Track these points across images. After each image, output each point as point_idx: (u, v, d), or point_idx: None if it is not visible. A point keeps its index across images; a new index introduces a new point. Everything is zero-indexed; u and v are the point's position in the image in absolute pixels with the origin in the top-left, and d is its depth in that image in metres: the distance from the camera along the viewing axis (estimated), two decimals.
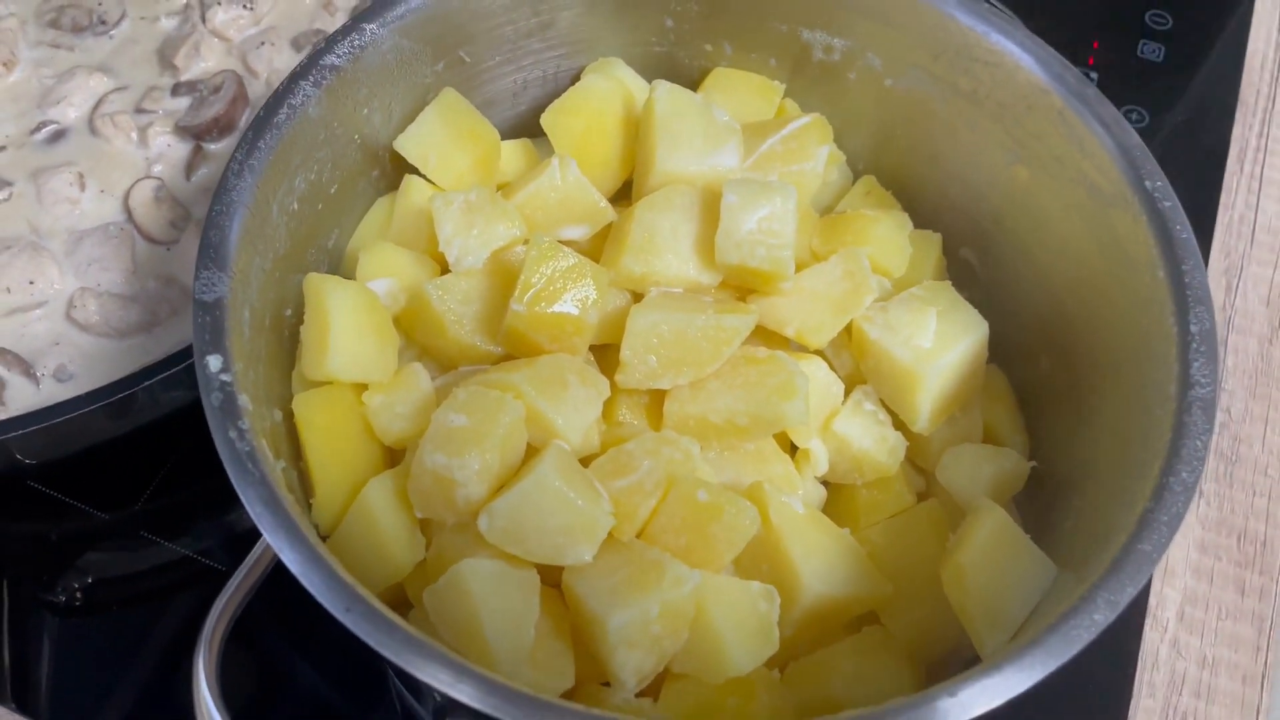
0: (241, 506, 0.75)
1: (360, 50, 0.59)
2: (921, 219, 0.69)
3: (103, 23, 0.87)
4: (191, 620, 0.72)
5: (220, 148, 0.80)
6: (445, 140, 0.64)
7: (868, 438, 0.61)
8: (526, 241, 0.60)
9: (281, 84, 0.56)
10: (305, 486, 0.57)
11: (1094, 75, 0.96)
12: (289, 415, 0.57)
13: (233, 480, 0.45)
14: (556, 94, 0.69)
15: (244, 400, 0.48)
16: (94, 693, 0.70)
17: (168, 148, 0.80)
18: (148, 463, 0.75)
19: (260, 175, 0.53)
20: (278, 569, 0.52)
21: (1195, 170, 0.92)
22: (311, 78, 0.57)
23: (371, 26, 0.59)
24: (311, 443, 0.56)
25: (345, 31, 0.58)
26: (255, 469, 0.46)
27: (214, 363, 0.47)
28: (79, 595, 0.73)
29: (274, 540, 0.44)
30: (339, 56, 0.58)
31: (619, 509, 0.53)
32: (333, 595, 0.43)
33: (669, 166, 0.62)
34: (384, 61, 0.60)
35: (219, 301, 0.49)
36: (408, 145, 0.64)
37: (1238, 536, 0.74)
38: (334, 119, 0.59)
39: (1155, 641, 0.70)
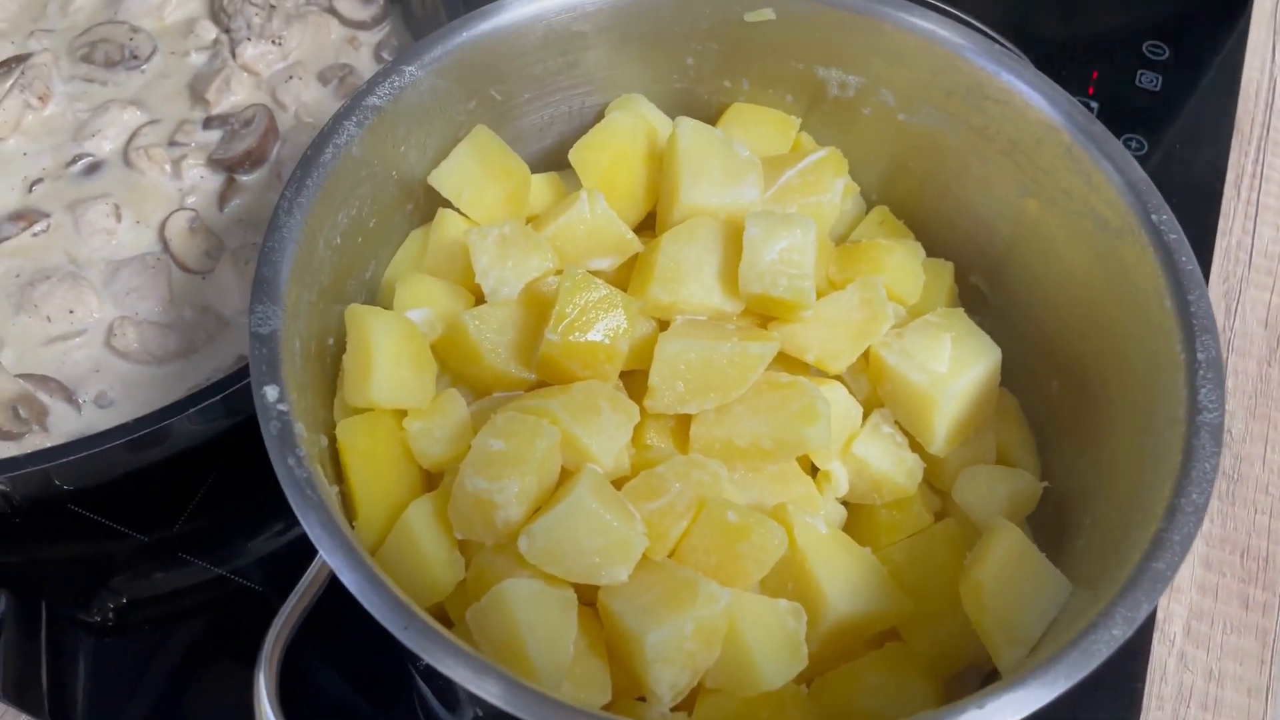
0: (272, 528, 0.78)
1: (400, 91, 0.61)
2: (933, 247, 0.72)
3: (134, 57, 0.89)
4: (224, 638, 0.74)
5: (252, 179, 0.83)
6: (478, 175, 0.66)
7: (886, 460, 0.63)
8: (559, 272, 0.63)
9: (326, 124, 0.58)
10: (348, 509, 0.59)
11: (1094, 105, 0.99)
12: (332, 440, 0.59)
13: (293, 505, 0.47)
14: (582, 128, 0.71)
15: (300, 428, 0.50)
16: (128, 709, 0.71)
17: (201, 179, 0.83)
18: (185, 486, 0.77)
19: (308, 212, 0.56)
20: (322, 597, 0.54)
21: (1193, 196, 0.95)
22: (355, 118, 0.59)
23: (410, 68, 0.62)
24: (354, 466, 0.58)
25: (386, 73, 0.61)
26: (314, 494, 0.48)
27: (271, 393, 0.50)
28: (113, 615, 0.75)
29: (333, 561, 0.46)
30: (380, 98, 0.60)
31: (652, 530, 0.55)
32: (391, 614, 0.45)
33: (692, 200, 0.65)
34: (421, 101, 0.63)
35: (273, 334, 0.52)
36: (442, 180, 0.66)
37: (1241, 553, 0.77)
38: (374, 157, 0.61)
39: (1163, 655, 0.73)
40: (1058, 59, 1.02)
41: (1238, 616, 0.74)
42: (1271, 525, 0.78)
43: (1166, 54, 1.04)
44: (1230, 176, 0.96)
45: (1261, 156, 0.98)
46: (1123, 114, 0.99)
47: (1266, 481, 0.80)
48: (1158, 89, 1.01)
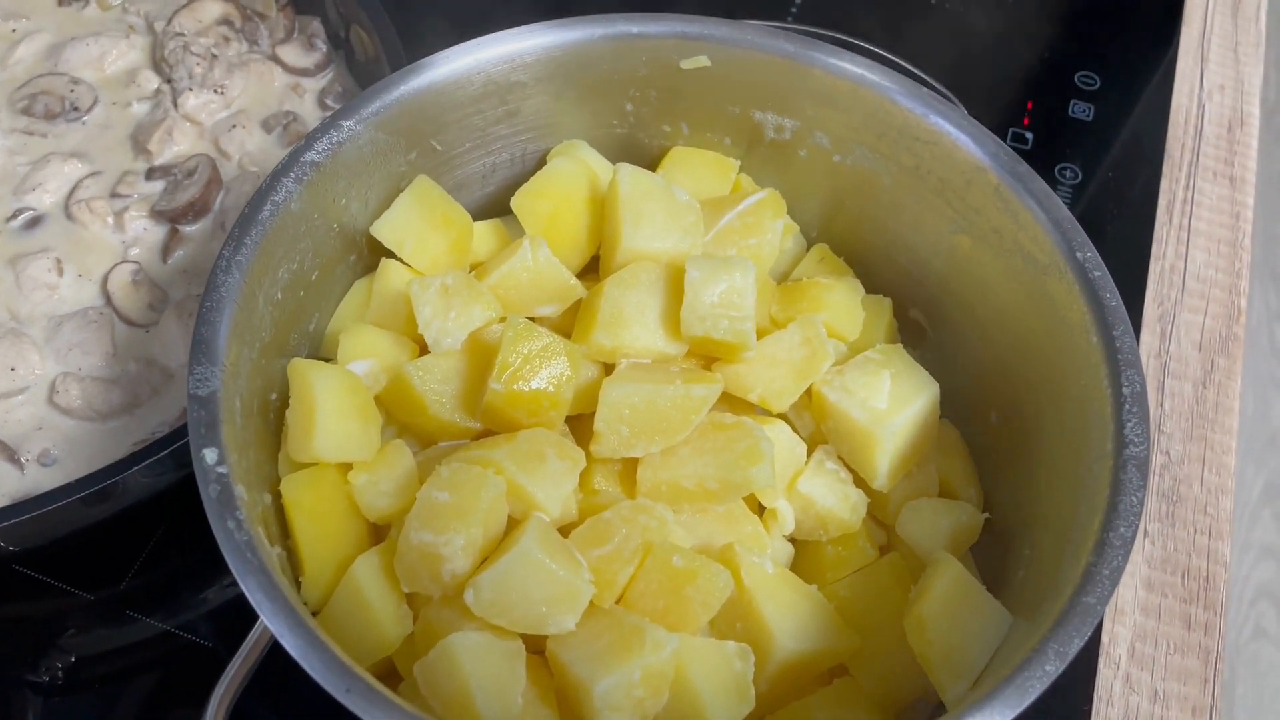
0: (222, 580, 0.78)
1: (339, 146, 0.62)
2: (872, 283, 0.73)
3: (75, 109, 0.89)
4: (173, 694, 0.73)
5: (196, 229, 0.83)
6: (420, 225, 0.67)
7: (831, 496, 0.64)
8: (502, 320, 0.63)
9: (264, 181, 0.59)
10: (294, 564, 0.59)
11: (1029, 135, 1.02)
12: (276, 496, 0.59)
13: (233, 570, 0.47)
14: (524, 174, 0.72)
15: (239, 490, 0.50)
16: None
17: (144, 231, 0.82)
18: (132, 542, 0.76)
19: (247, 271, 0.56)
20: (273, 649, 0.54)
21: (1127, 223, 0.98)
22: (293, 174, 0.59)
23: (349, 123, 0.62)
24: (299, 523, 0.58)
25: (324, 129, 0.61)
26: (254, 557, 0.48)
27: (210, 455, 0.50)
28: (61, 674, 0.74)
29: (274, 626, 0.46)
30: (318, 153, 0.61)
31: (599, 577, 0.56)
32: (332, 677, 0.45)
33: (634, 245, 0.66)
34: (360, 154, 0.63)
35: (212, 395, 0.52)
36: (384, 231, 0.66)
37: (1182, 574, 0.78)
38: (314, 210, 0.62)
39: (1109, 678, 0.74)
40: (993, 92, 1.04)
41: (1180, 637, 0.76)
42: (1211, 545, 0.80)
43: (1098, 84, 1.06)
44: (1162, 202, 0.99)
45: (1192, 182, 1.01)
46: (1057, 144, 1.02)
47: (1205, 502, 0.82)
48: (1090, 118, 1.04)
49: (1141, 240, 0.96)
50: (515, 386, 0.59)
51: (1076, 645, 0.47)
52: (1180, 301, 0.93)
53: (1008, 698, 0.46)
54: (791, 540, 0.66)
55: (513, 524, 0.58)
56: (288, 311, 0.61)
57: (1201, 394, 0.88)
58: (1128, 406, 0.54)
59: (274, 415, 0.61)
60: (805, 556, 0.66)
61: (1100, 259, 0.59)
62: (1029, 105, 1.04)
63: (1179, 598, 0.78)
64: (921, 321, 0.74)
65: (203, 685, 0.72)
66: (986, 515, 0.65)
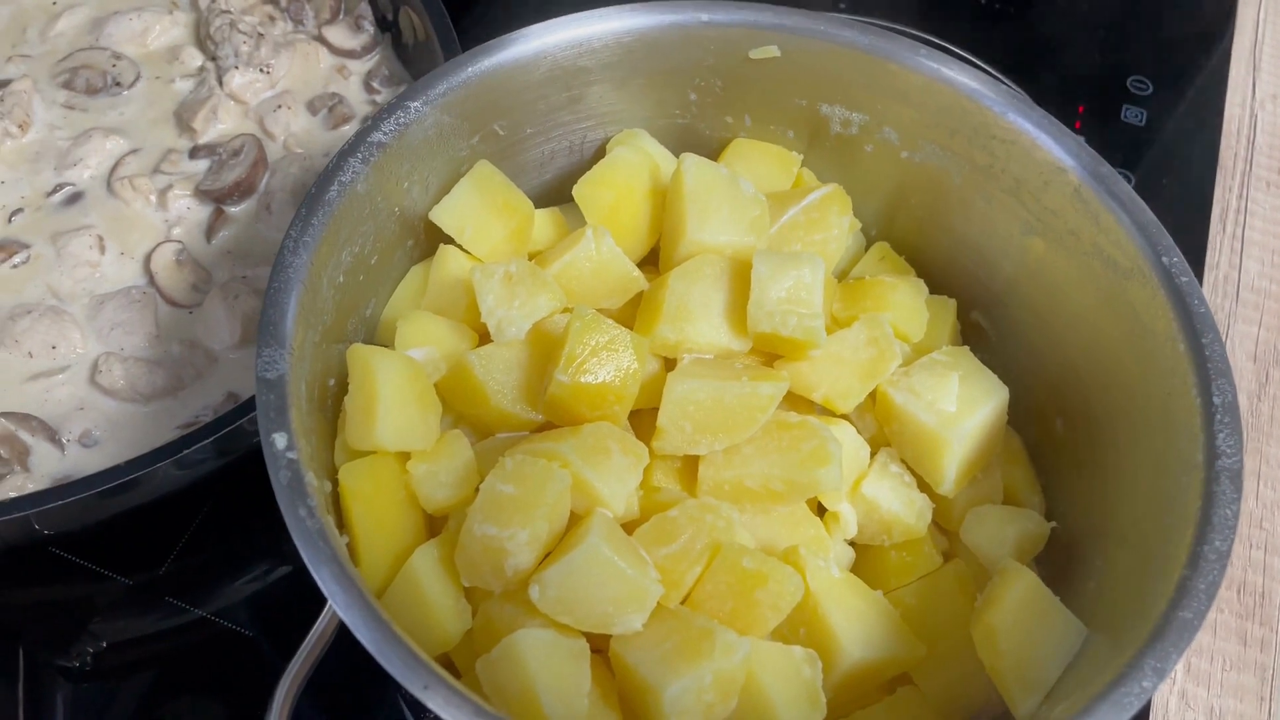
0: (260, 566, 0.76)
1: (404, 127, 0.60)
2: (933, 283, 0.72)
3: (117, 84, 0.87)
4: (206, 682, 0.72)
5: (240, 210, 0.81)
6: (481, 211, 0.65)
7: (896, 500, 0.63)
8: (566, 311, 0.62)
9: (331, 161, 0.57)
10: (351, 555, 0.57)
11: (1080, 139, 1.00)
12: (334, 485, 0.57)
13: (305, 558, 0.46)
14: (582, 163, 0.71)
15: (310, 477, 0.48)
16: None
17: (187, 210, 0.81)
18: (173, 527, 0.75)
19: (314, 251, 0.54)
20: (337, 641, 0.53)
21: (1180, 231, 0.94)
22: (360, 154, 0.58)
23: (415, 104, 0.60)
24: (357, 512, 0.56)
25: (391, 109, 0.60)
26: (326, 546, 0.46)
27: (280, 440, 0.48)
28: (91, 659, 0.73)
29: (348, 617, 0.44)
30: (385, 134, 0.59)
31: (665, 576, 0.54)
32: (409, 673, 0.43)
33: (699, 237, 0.64)
34: (425, 136, 0.62)
35: (281, 379, 0.50)
36: (444, 216, 0.65)
37: (1237, 589, 0.77)
38: (378, 193, 0.60)
39: (1165, 694, 0.72)
40: (1045, 94, 1.03)
41: (1236, 653, 0.75)
42: (1267, 560, 0.79)
43: (1150, 89, 1.05)
44: (1215, 211, 0.98)
45: (1245, 191, 0.99)
46: (1109, 148, 1.00)
47: (1260, 516, 0.80)
48: (1142, 123, 1.02)
49: (1195, 249, 0.95)
50: (581, 379, 0.57)
51: (1175, 660, 0.46)
52: (1234, 312, 0.92)
53: (1104, 715, 0.45)
54: (851, 544, 0.64)
55: (574, 519, 0.56)
56: (348, 295, 0.60)
57: (1256, 407, 0.86)
58: (1219, 416, 0.53)
59: (332, 402, 0.59)
60: (866, 561, 0.64)
61: (1187, 264, 0.58)
62: (1081, 109, 1.02)
63: (1235, 613, 0.76)
64: (984, 324, 0.72)
65: (237, 672, 0.71)
66: (1054, 524, 0.64)
